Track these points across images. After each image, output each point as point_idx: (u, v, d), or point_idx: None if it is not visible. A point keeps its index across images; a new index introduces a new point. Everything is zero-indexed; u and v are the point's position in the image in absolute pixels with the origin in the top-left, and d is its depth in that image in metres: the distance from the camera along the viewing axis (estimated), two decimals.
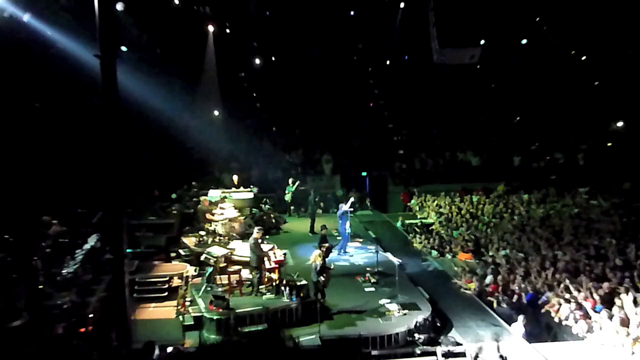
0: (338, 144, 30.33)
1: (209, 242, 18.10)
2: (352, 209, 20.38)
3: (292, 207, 24.93)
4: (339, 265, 17.50)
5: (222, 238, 18.41)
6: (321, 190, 27.07)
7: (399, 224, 24.11)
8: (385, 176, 29.82)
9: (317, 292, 14.26)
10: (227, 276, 14.92)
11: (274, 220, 22.36)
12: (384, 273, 16.76)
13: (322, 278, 14.16)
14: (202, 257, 15.56)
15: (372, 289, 15.94)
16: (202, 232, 18.73)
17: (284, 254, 14.98)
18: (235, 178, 23.09)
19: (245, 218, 20.45)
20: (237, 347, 3.47)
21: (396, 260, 16.36)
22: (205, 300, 14.09)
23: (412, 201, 27.65)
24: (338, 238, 19.70)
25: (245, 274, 15.33)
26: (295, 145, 30.25)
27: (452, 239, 21.05)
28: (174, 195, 22.54)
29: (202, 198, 20.97)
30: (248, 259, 14.85)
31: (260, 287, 14.70)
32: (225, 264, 15.24)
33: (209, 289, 14.84)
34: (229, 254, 15.22)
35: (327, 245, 16.26)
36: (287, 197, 24.37)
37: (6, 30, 15.21)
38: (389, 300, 14.77)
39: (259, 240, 14.96)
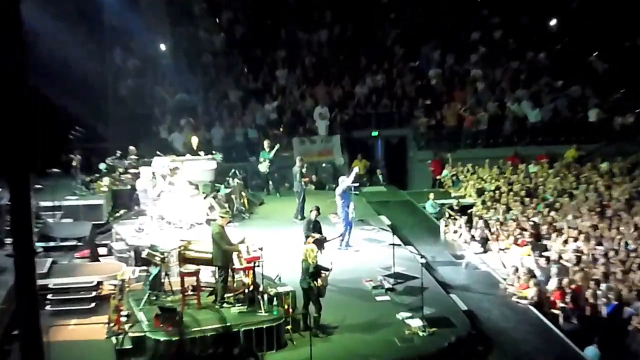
0: (338, 91, 30.26)
1: (154, 231, 18.10)
2: (357, 185, 20.42)
3: (270, 182, 24.96)
4: (340, 265, 17.49)
5: (171, 226, 18.42)
6: (313, 158, 27.11)
7: (429, 204, 24.21)
8: (405, 137, 29.85)
9: (309, 302, 14.33)
10: (179, 280, 14.95)
11: (246, 201, 22.41)
12: (404, 275, 16.83)
13: (315, 283, 14.21)
14: (144, 254, 15.57)
15: (387, 297, 16.03)
16: (144, 218, 18.72)
17: (261, 248, 14.97)
18: (194, 140, 23.07)
19: (206, 197, 20.48)
20: None
21: (421, 257, 16.40)
22: (148, 314, 14.13)
23: (444, 173, 27.69)
24: (338, 225, 19.76)
25: (206, 276, 15.36)
26: (275, 92, 30.16)
27: (500, 226, 21.20)
28: (102, 166, 22.52)
29: (142, 169, 20.95)
30: (209, 256, 14.88)
31: (227, 295, 14.75)
32: (176, 263, 15.26)
33: (153, 298, 14.87)
34: (182, 248, 15.23)
35: (317, 236, 16.32)
36: (263, 168, 24.42)
37: None
38: (410, 314, 14.84)
39: (225, 229, 14.98)
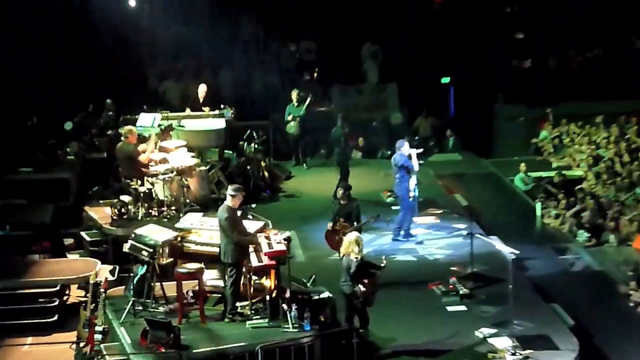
0: (392, 22, 30.09)
1: (140, 216, 18.20)
2: (421, 151, 20.31)
3: (301, 149, 24.91)
4: (398, 262, 17.60)
5: (164, 209, 18.51)
6: (360, 115, 26.95)
7: (518, 178, 24.11)
8: (489, 85, 29.73)
9: (353, 314, 14.29)
10: (175, 284, 14.97)
11: (266, 174, 22.38)
12: (485, 277, 16.85)
13: (361, 287, 14.14)
14: (127, 247, 15.56)
15: (462, 307, 15.98)
16: (126, 198, 18.76)
17: (287, 239, 14.90)
18: (201, 89, 23.02)
19: (211, 169, 20.51)
20: None
21: (509, 252, 16.24)
22: (132, 330, 14.16)
23: (542, 134, 27.51)
24: (394, 208, 19.69)
25: (211, 278, 15.38)
26: (307, 24, 30.08)
27: (620, 208, 21.01)
28: (69, 125, 22.55)
29: (124, 129, 20.87)
30: (216, 250, 14.86)
31: (241, 304, 14.75)
32: (170, 260, 15.25)
33: (139, 308, 14.90)
34: (179, 239, 15.25)
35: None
36: (292, 129, 24.34)
37: None
38: (494, 330, 14.77)
39: (238, 213, 14.94)
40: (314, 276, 15.77)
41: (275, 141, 25.53)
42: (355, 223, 16.84)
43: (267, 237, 14.98)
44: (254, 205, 20.12)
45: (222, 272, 15.22)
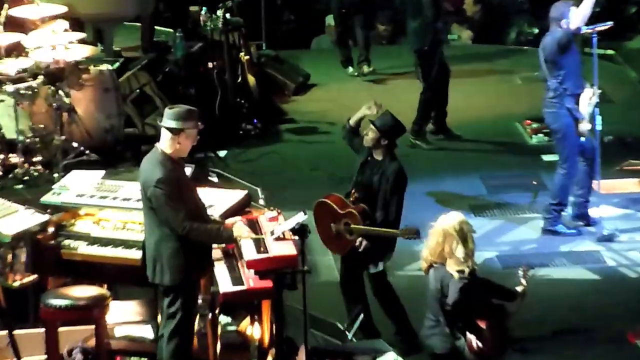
0: None
1: None
2: (607, 27, 20.17)
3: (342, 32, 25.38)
4: (557, 281, 17.86)
5: (18, 161, 18.58)
6: None
7: None
8: None
9: None
10: (42, 333, 14.89)
11: (252, 80, 22.40)
12: None
13: (474, 340, 13.98)
14: None
15: None
16: None
17: (299, 230, 14.64)
18: None
19: (126, 70, 20.82)
20: None
21: None
22: None
23: None
24: (546, 158, 20.11)
25: (126, 321, 15.50)
26: None
27: None
28: None
29: None
30: (136, 257, 14.80)
31: None
32: (32, 278, 15.27)
33: None
34: (49, 231, 15.23)
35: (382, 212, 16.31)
36: None
37: None
38: None
39: (187, 172, 14.84)
40: (361, 316, 15.59)
41: (274, 5, 25.58)
42: (381, 210, 16.34)
43: (255, 225, 14.90)
44: (223, 153, 20.08)
45: (149, 307, 15.13)
